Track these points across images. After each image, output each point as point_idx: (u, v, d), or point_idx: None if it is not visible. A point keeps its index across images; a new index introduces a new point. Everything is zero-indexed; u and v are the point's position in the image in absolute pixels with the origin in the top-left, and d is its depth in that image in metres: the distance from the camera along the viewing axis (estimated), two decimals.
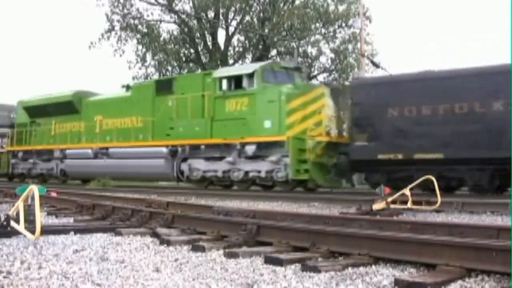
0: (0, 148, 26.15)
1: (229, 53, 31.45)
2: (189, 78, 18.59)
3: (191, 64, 31.55)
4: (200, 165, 16.77)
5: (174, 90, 17.82)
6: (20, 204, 5.18)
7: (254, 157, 15.46)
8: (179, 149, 17.27)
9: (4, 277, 3.51)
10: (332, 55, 30.64)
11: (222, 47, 30.86)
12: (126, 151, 18.95)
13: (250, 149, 15.40)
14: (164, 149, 17.53)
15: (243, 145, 15.57)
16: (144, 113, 18.56)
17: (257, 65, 16.29)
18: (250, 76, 15.65)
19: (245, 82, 15.70)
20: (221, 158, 16.21)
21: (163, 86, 18.34)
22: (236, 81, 15.98)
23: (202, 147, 16.66)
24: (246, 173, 15.75)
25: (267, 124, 15.16)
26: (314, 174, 14.76)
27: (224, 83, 16.27)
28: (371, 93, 14.72)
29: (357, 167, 15.27)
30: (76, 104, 21.52)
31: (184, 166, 17.14)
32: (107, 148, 19.68)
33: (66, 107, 21.66)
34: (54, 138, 22.12)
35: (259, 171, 15.43)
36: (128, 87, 21.06)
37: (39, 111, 23.06)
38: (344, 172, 15.53)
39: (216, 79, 16.43)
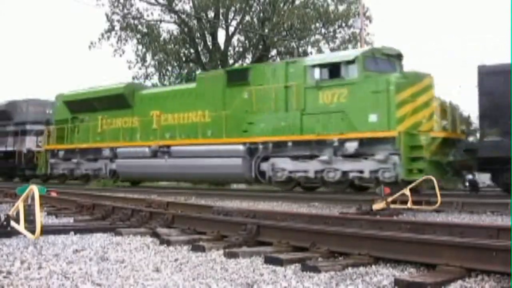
0: (36, 147, 24.28)
1: (229, 53, 31.47)
2: (268, 67, 16.45)
3: (191, 64, 31.56)
4: (286, 165, 14.78)
5: (250, 81, 15.86)
6: (20, 204, 5.18)
7: (353, 156, 13.64)
8: (260, 146, 15.30)
9: (4, 277, 3.52)
10: None
11: (222, 47, 30.86)
12: (192, 149, 16.85)
13: (351, 146, 13.54)
14: (241, 147, 15.54)
15: (342, 141, 13.69)
16: (213, 107, 16.56)
17: (358, 52, 14.65)
18: (350, 63, 13.86)
19: (343, 71, 13.90)
20: (311, 157, 14.33)
21: (236, 77, 16.38)
22: (332, 70, 14.12)
23: (289, 144, 14.70)
24: (344, 173, 13.82)
25: (372, 117, 13.30)
26: (431, 174, 12.49)
27: (317, 72, 14.27)
28: (505, 81, 12.55)
29: (486, 165, 13.03)
30: (128, 98, 19.30)
31: (266, 166, 15.18)
32: (168, 146, 17.58)
33: (117, 101, 19.42)
34: (101, 135, 19.96)
35: (361, 171, 13.53)
36: (188, 78, 18.85)
37: (83, 105, 20.81)
38: (460, 172, 13.51)
39: (307, 67, 14.54)
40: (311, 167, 14.34)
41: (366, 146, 13.49)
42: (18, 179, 26.16)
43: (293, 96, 14.71)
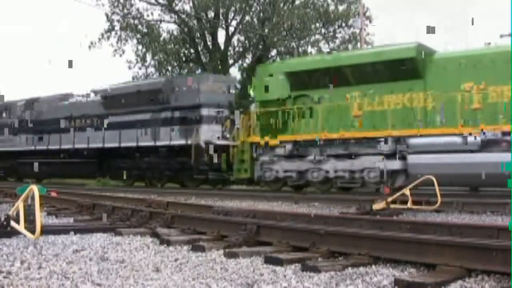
0: (221, 139, 18.00)
1: (229, 53, 31.49)
2: None
3: (191, 64, 31.58)
4: None
5: None
6: (20, 204, 5.18)
7: None
8: None
9: (4, 277, 3.52)
10: None
11: (222, 47, 30.88)
12: None
13: None
14: None
15: None
16: None
17: None
18: None
19: None
20: None
21: None
22: None
23: None
24: None
25: None
26: None
27: None
28: None
29: None
30: (419, 64, 13.87)
31: None
32: None
33: (394, 70, 14.01)
34: (356, 121, 14.69)
35: None
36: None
37: (317, 78, 15.31)
38: None
39: None
40: None
41: None
42: (193, 184, 19.00)
43: None
